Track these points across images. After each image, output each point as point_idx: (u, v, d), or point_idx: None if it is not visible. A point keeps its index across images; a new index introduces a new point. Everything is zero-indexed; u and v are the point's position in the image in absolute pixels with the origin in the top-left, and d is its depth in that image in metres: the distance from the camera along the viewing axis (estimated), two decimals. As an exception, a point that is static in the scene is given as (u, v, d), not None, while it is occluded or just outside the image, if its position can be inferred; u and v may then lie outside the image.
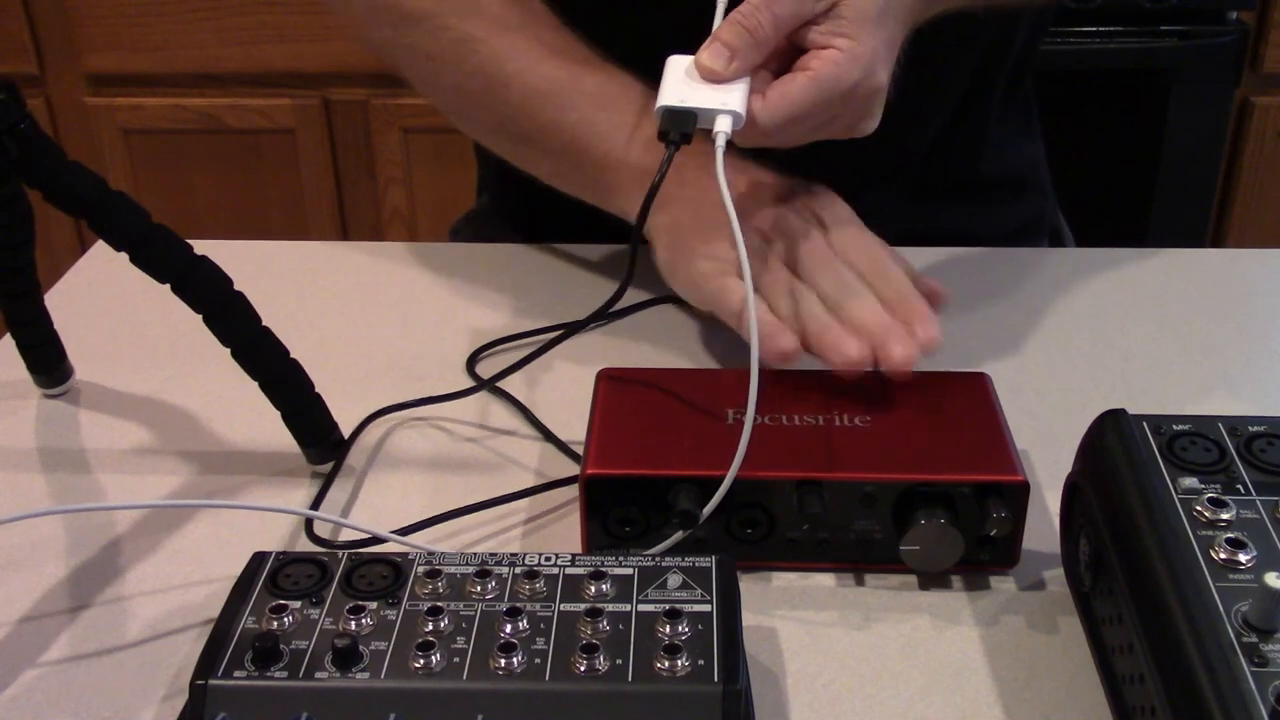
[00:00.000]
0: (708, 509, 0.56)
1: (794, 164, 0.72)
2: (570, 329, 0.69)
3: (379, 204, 1.94)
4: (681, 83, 0.61)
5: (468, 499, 0.63)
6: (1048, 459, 0.66)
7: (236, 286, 0.62)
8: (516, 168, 0.82)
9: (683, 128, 0.59)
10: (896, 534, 0.57)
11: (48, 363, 0.73)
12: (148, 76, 1.86)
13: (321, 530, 0.62)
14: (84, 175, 0.59)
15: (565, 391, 0.73)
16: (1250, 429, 0.54)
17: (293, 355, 0.64)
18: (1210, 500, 0.50)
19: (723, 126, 0.60)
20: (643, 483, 0.58)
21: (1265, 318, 0.81)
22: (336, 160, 1.91)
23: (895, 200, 0.92)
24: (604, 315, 0.68)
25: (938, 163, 0.92)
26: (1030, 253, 0.90)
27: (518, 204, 0.97)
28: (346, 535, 0.62)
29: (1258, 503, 0.50)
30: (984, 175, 0.94)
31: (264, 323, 0.63)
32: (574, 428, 0.69)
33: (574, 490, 0.63)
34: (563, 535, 0.62)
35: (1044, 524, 0.61)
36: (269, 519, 0.63)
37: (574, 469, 0.65)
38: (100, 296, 0.84)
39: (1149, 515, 0.49)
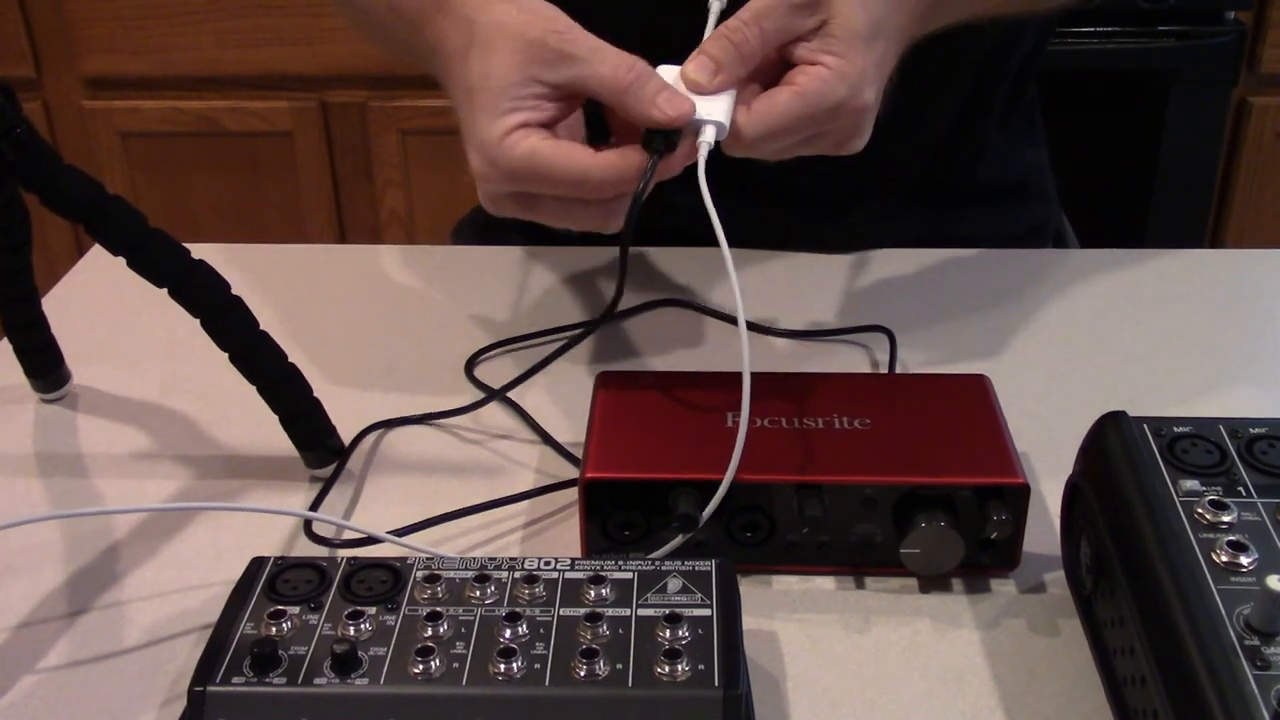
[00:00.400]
0: (706, 513, 0.56)
1: (787, 173, 0.71)
2: (572, 340, 0.68)
3: (377, 206, 1.94)
4: None
5: (467, 503, 0.63)
6: (1048, 461, 0.66)
7: (234, 290, 0.62)
8: None
9: (666, 137, 0.59)
10: (897, 537, 0.57)
11: (45, 367, 0.73)
12: (145, 79, 1.86)
13: (321, 533, 0.62)
14: (80, 179, 0.59)
15: (564, 394, 0.73)
16: (1251, 431, 0.54)
17: (291, 359, 0.64)
18: (1211, 503, 0.50)
19: (706, 137, 0.60)
20: (642, 486, 0.57)
21: (1265, 319, 0.81)
22: (334, 163, 1.91)
23: (896, 207, 0.92)
24: (603, 322, 0.67)
25: (940, 169, 0.92)
26: (1029, 254, 0.90)
27: None
28: (346, 538, 0.62)
29: (1259, 505, 0.50)
30: (987, 181, 0.94)
31: (262, 327, 0.63)
32: (573, 430, 0.69)
33: (573, 493, 0.63)
34: (562, 539, 0.62)
35: (1044, 526, 0.61)
36: (267, 524, 0.63)
37: (573, 472, 0.65)
38: (97, 300, 0.84)
39: (1150, 518, 0.49)
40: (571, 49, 0.59)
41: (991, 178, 0.94)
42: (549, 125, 0.60)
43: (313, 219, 1.94)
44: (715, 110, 0.60)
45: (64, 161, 0.59)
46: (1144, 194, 1.88)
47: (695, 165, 0.59)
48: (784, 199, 0.88)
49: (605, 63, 0.59)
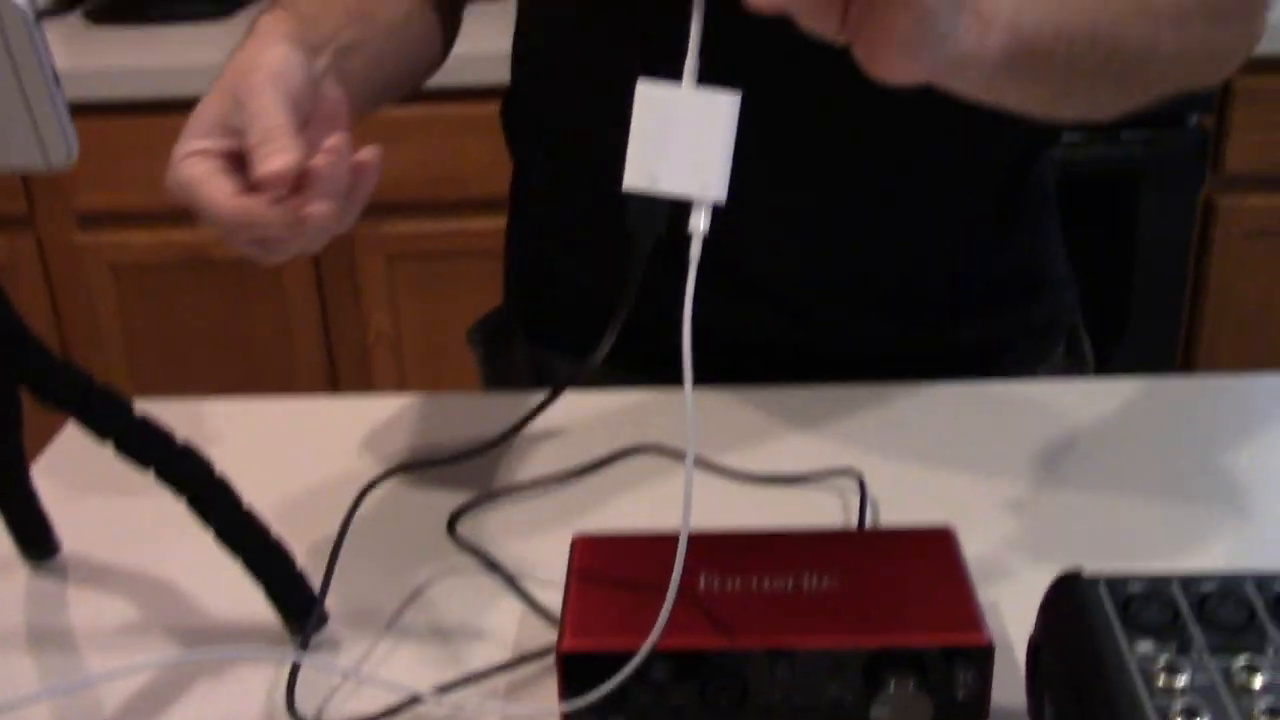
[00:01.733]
0: (613, 683, 0.56)
1: (785, 285, 0.69)
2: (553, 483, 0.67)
3: (364, 328, 1.96)
4: (650, 142, 0.47)
5: (448, 671, 0.64)
6: (1019, 608, 0.67)
7: (219, 447, 0.64)
8: (542, 273, 0.88)
9: (651, 221, 0.46)
10: (868, 696, 0.58)
11: (34, 536, 0.74)
12: (135, 213, 1.88)
13: (311, 697, 0.63)
14: (70, 374, 0.61)
15: (544, 545, 0.74)
16: (1202, 588, 0.55)
17: (268, 513, 0.65)
18: (1165, 666, 0.51)
19: (698, 224, 0.47)
20: (619, 658, 0.59)
21: (1238, 450, 0.82)
22: (321, 287, 1.94)
23: (894, 311, 0.91)
24: (551, 402, 0.64)
25: (931, 271, 0.91)
26: (992, 387, 0.91)
27: (538, 309, 1.00)
28: (336, 699, 0.63)
29: (1211, 666, 0.51)
30: (994, 277, 0.93)
31: (245, 495, 0.64)
32: (553, 583, 0.70)
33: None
34: (541, 694, 0.63)
35: (1015, 678, 0.62)
36: (248, 695, 0.64)
37: (553, 633, 0.66)
38: (87, 466, 0.85)
39: (1106, 683, 0.51)
40: (245, 99, 0.63)
41: (999, 273, 0.93)
42: (231, 159, 0.64)
43: (301, 341, 1.97)
44: (710, 181, 0.46)
45: (52, 356, 0.61)
46: (1123, 292, 1.92)
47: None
48: (779, 301, 0.89)
49: (252, 129, 0.62)
